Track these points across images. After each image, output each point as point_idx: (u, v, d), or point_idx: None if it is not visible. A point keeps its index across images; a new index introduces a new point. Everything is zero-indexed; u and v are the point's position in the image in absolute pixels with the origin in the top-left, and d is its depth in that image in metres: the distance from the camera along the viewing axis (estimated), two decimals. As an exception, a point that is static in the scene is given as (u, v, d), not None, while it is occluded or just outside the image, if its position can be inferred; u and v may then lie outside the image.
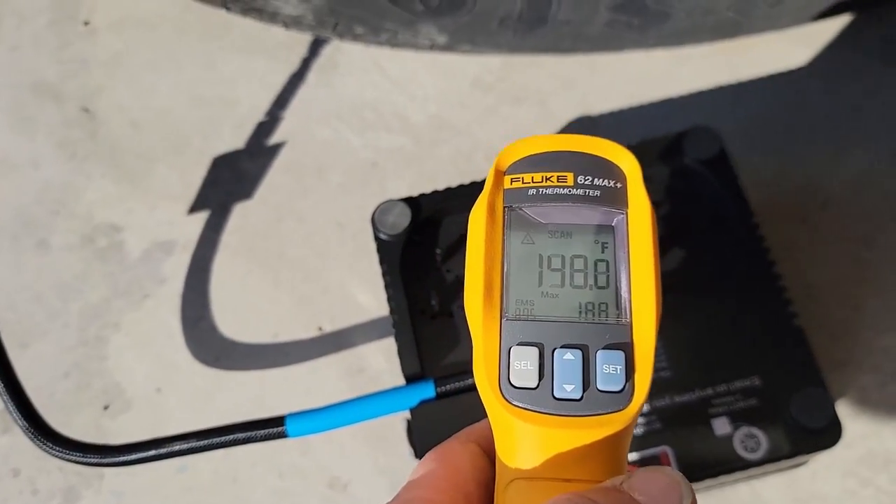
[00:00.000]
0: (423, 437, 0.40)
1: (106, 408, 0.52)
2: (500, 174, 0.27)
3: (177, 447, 0.42)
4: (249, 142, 0.59)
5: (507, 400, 0.24)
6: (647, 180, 0.47)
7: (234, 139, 0.59)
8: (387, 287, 0.43)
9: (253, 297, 0.54)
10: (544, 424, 0.23)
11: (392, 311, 0.43)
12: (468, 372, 0.41)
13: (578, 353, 0.24)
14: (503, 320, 0.25)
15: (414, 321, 0.43)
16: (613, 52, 0.55)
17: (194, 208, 0.57)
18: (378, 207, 0.45)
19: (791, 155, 0.56)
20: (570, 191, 0.26)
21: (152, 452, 0.42)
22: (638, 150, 0.45)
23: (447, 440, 0.27)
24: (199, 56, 0.62)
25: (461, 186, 0.46)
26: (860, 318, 0.51)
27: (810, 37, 0.59)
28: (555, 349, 0.24)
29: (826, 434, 0.39)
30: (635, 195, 0.26)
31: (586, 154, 0.27)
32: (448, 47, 0.54)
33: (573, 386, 0.24)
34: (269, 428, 0.42)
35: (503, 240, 0.26)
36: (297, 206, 0.56)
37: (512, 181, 0.26)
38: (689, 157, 0.45)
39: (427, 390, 0.41)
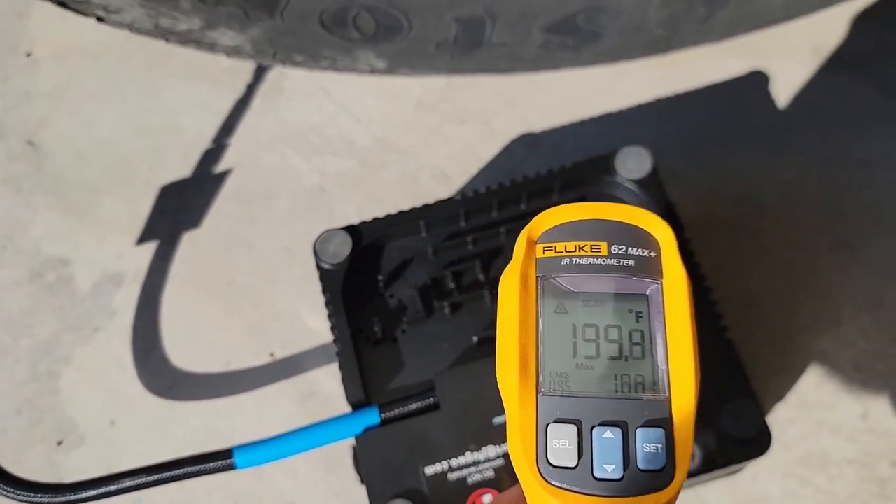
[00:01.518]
0: (368, 463, 0.41)
1: (59, 443, 0.52)
2: (531, 243, 0.26)
3: (127, 483, 0.42)
4: (196, 170, 0.59)
5: (545, 479, 0.23)
6: (581, 200, 0.48)
7: (181, 168, 0.59)
8: (329, 316, 0.44)
9: (204, 327, 0.54)
10: None
11: (335, 340, 0.44)
12: (412, 396, 0.42)
13: (618, 430, 0.24)
14: (539, 395, 0.24)
15: (358, 348, 0.44)
16: (550, 70, 0.57)
17: (143, 239, 0.57)
18: (319, 237, 0.46)
19: (728, 164, 0.57)
20: (604, 261, 0.26)
21: (102, 490, 0.42)
22: (571, 172, 0.47)
23: None
24: (143, 85, 0.62)
25: (401, 213, 0.46)
26: (796, 322, 0.52)
27: (743, 48, 0.60)
28: (593, 427, 0.24)
29: (756, 443, 0.40)
30: (670, 264, 0.25)
31: (620, 222, 0.26)
32: (388, 71, 0.55)
33: (613, 466, 0.23)
34: (217, 461, 0.42)
35: (536, 310, 0.25)
36: (245, 233, 0.57)
37: (544, 250, 0.26)
38: (620, 177, 0.46)
39: (372, 417, 0.42)
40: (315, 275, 0.54)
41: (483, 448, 0.41)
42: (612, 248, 0.26)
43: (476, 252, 0.47)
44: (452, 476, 0.40)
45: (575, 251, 0.26)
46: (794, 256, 0.54)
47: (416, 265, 0.46)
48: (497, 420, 0.41)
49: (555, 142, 0.58)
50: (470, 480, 0.40)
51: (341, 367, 0.43)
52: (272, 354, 0.53)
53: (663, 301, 0.25)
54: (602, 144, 0.57)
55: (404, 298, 0.46)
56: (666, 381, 0.24)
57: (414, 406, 0.42)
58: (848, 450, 0.49)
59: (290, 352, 0.53)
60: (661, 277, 0.25)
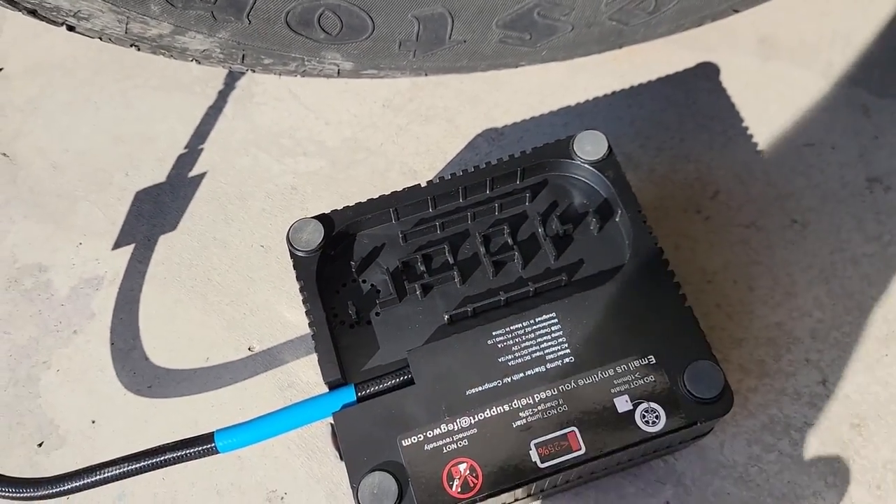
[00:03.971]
0: (346, 439, 0.42)
1: (40, 445, 0.52)
2: None
3: (109, 473, 0.43)
4: (171, 175, 0.60)
5: None
6: (542, 185, 0.50)
7: (155, 174, 0.60)
8: (304, 301, 0.46)
9: (182, 324, 0.55)
10: None
11: (311, 324, 0.45)
12: (387, 375, 0.44)
13: None
14: None
15: (333, 331, 0.45)
16: (509, 67, 0.59)
17: (119, 243, 0.58)
18: (292, 226, 0.47)
19: (682, 151, 0.60)
20: None
21: (85, 480, 0.43)
22: (532, 156, 0.49)
23: None
24: (115, 96, 0.64)
25: (370, 201, 0.48)
26: (754, 296, 0.55)
27: (693, 41, 0.63)
28: None
29: (718, 402, 0.42)
30: None
31: None
32: (354, 72, 0.57)
33: None
34: (199, 446, 0.43)
35: None
36: (220, 233, 0.58)
37: None
38: (579, 159, 0.48)
39: (348, 395, 0.43)
40: (291, 269, 0.56)
41: (457, 419, 0.42)
42: None
43: (444, 236, 0.48)
44: (428, 447, 0.42)
45: None
46: (749, 234, 0.57)
47: (387, 251, 0.48)
48: (470, 392, 0.43)
49: (516, 135, 0.61)
50: (446, 450, 0.42)
51: (317, 349, 0.44)
52: (250, 348, 0.54)
53: None
54: (561, 136, 0.60)
55: (377, 283, 0.47)
56: None
57: (389, 382, 0.43)
58: (809, 415, 0.52)
59: (268, 345, 0.54)
60: None
